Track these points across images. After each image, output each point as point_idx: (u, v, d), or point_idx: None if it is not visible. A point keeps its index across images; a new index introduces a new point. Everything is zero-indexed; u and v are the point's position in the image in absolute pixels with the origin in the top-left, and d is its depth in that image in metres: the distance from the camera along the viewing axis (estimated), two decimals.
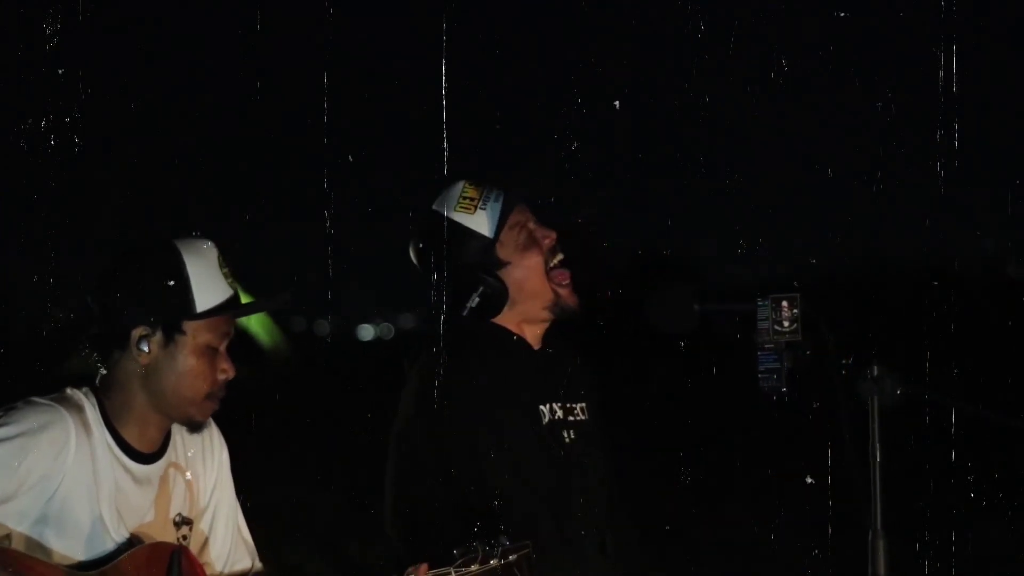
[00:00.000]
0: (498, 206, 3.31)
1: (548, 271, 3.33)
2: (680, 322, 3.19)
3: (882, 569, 2.97)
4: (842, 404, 3.02)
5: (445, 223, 3.33)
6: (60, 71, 5.19)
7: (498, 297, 3.30)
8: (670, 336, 3.35)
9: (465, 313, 3.30)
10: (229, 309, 2.89)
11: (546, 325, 3.38)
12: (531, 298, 3.32)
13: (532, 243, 3.33)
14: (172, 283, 2.84)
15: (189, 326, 2.85)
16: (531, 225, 3.35)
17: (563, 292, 3.33)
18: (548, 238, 3.34)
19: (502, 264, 3.30)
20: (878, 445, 2.98)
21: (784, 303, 3.06)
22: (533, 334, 3.37)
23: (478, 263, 3.30)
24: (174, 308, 2.85)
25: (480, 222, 3.32)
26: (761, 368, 3.07)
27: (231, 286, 2.91)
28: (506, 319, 3.33)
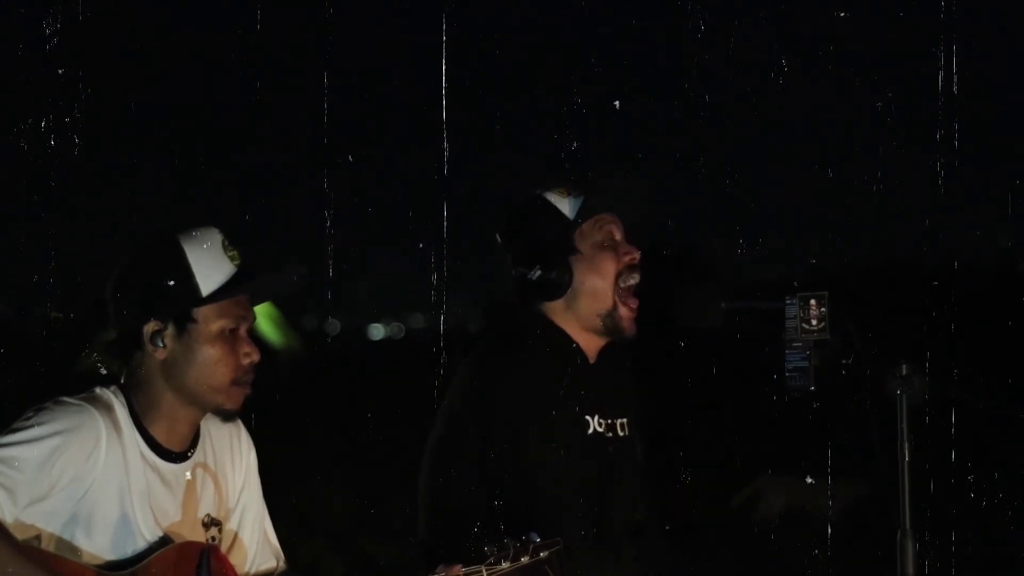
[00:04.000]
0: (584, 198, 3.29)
1: (618, 284, 3.28)
2: (707, 319, 3.17)
3: (911, 569, 2.95)
4: (870, 403, 3.00)
5: (537, 200, 3.32)
6: (60, 71, 5.17)
7: (560, 280, 3.26)
8: (694, 333, 3.33)
9: (521, 278, 3.27)
10: (235, 286, 2.85)
11: (603, 342, 3.32)
12: (590, 298, 3.27)
13: (612, 248, 3.30)
14: (173, 274, 2.82)
15: (199, 313, 2.83)
16: (617, 235, 3.31)
17: (624, 311, 3.28)
18: (630, 255, 3.30)
19: (574, 250, 3.27)
20: (907, 444, 2.96)
21: (812, 301, 3.04)
22: (591, 347, 3.32)
23: (552, 238, 3.27)
24: (178, 298, 2.82)
25: (566, 205, 3.30)
26: (789, 366, 3.05)
27: (236, 266, 2.87)
28: (566, 320, 3.29)
